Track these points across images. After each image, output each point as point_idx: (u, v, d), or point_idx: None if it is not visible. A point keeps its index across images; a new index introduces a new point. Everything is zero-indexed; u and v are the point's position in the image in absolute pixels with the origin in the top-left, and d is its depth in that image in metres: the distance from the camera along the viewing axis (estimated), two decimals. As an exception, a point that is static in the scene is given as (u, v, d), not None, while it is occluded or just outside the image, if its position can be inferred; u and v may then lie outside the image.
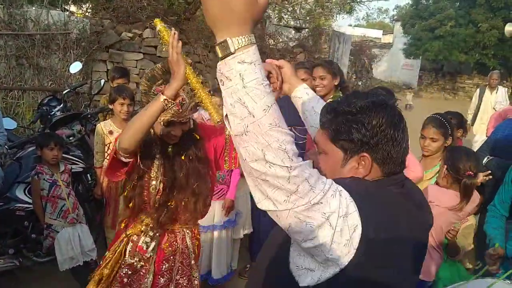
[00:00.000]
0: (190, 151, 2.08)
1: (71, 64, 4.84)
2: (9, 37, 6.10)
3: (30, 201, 3.22)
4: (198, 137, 2.13)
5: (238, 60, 0.88)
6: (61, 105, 4.09)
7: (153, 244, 2.10)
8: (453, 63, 23.29)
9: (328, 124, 1.21)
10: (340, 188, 1.03)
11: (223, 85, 0.91)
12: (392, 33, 27.86)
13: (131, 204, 2.08)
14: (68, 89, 4.45)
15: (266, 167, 0.92)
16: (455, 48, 20.48)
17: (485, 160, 3.52)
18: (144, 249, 2.08)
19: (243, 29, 0.89)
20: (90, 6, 8.23)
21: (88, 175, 3.81)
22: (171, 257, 2.14)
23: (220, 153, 2.19)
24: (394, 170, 1.19)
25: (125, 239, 2.13)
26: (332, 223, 0.99)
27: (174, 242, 2.15)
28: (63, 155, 3.42)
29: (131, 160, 1.88)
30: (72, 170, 3.47)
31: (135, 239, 2.11)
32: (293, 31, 11.93)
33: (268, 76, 1.60)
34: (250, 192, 3.83)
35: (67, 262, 3.15)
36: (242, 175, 3.61)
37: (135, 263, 2.08)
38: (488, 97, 7.46)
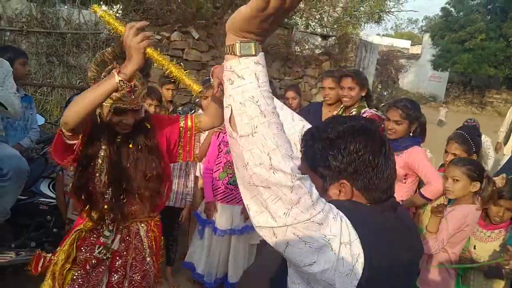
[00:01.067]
0: (139, 140, 1.98)
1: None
2: (40, 35, 6.23)
3: (53, 196, 3.28)
4: (149, 126, 2.03)
5: (255, 60, 0.89)
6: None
7: (118, 236, 2.03)
8: (482, 77, 22.91)
9: (306, 151, 1.18)
10: (341, 213, 0.99)
11: (232, 83, 0.90)
12: (421, 44, 27.56)
13: (78, 196, 1.98)
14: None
15: (270, 173, 0.88)
16: (484, 61, 20.16)
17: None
18: (103, 241, 2.00)
19: (261, 38, 0.90)
20: (121, 7, 8.37)
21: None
22: (124, 253, 2.04)
23: (174, 144, 2.10)
24: (380, 197, 1.12)
25: (74, 234, 2.02)
26: (334, 248, 0.94)
27: (127, 237, 2.06)
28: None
29: (74, 142, 1.79)
30: (96, 168, 3.53)
31: (87, 235, 2.02)
32: (320, 39, 11.89)
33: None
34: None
35: (86, 257, 3.18)
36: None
37: (100, 256, 1.98)
38: None
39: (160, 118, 2.20)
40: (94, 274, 1.98)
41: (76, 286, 1.97)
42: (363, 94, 3.35)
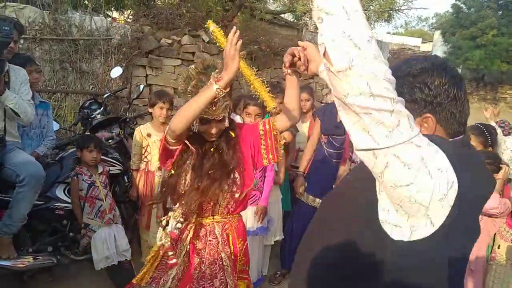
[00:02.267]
0: (222, 146, 2.14)
1: (112, 69, 4.95)
2: (53, 42, 6.31)
3: (69, 200, 3.30)
4: (233, 135, 2.18)
5: None
6: (101, 109, 4.19)
7: (191, 233, 2.15)
8: (494, 73, 22.61)
9: None
10: (432, 143, 1.00)
11: (321, 22, 0.90)
12: (432, 42, 27.33)
13: (163, 189, 2.21)
14: (109, 93, 4.56)
15: (370, 100, 0.90)
16: (497, 57, 19.90)
17: None
18: (175, 233, 2.13)
19: None
20: (131, 12, 8.43)
21: (125, 177, 3.89)
22: (201, 250, 2.17)
23: (258, 149, 2.21)
24: (458, 131, 1.16)
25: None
26: (431, 170, 0.95)
27: (203, 236, 2.18)
28: (102, 157, 3.51)
29: (176, 148, 2.00)
30: (110, 172, 3.56)
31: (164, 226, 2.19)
32: (330, 39, 11.85)
33: (293, 59, 1.75)
34: (281, 199, 3.81)
35: (102, 261, 3.21)
36: (275, 182, 3.62)
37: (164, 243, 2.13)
38: None
39: (243, 126, 2.34)
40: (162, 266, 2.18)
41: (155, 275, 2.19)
42: None
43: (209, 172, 2.09)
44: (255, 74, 1.89)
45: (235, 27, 1.78)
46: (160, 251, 2.18)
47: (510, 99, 23.26)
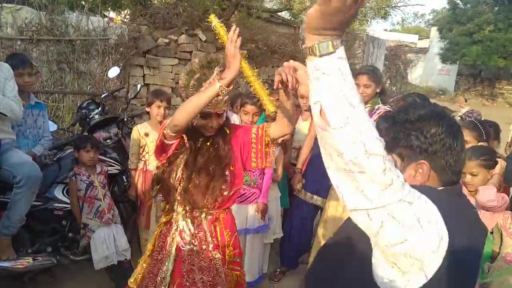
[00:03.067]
0: (217, 141, 2.18)
1: (109, 69, 4.94)
2: (50, 43, 6.28)
3: (68, 201, 3.29)
4: (228, 132, 2.22)
5: (338, 56, 0.93)
6: (99, 109, 4.19)
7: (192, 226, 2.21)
8: (491, 69, 22.67)
9: (385, 132, 1.23)
10: (423, 195, 1.03)
11: (318, 81, 0.94)
12: (428, 38, 27.34)
13: (158, 186, 2.23)
14: (106, 93, 4.55)
15: (365, 158, 0.93)
16: (494, 53, 19.93)
17: None
18: (188, 232, 2.19)
19: (338, 32, 0.94)
20: (128, 12, 8.41)
21: (124, 177, 3.90)
22: (190, 243, 2.21)
23: (248, 151, 2.24)
24: (452, 180, 1.19)
25: (157, 229, 2.30)
26: (423, 226, 0.98)
27: (191, 228, 2.21)
28: (100, 157, 3.51)
29: (173, 142, 2.02)
30: (108, 172, 3.56)
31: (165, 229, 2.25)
32: (327, 36, 11.85)
33: (282, 80, 1.73)
34: (280, 197, 3.82)
35: (102, 261, 3.21)
36: (273, 180, 3.62)
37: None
38: None
39: (238, 127, 2.38)
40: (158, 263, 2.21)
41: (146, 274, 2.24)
42: (378, 90, 3.42)
43: (206, 167, 2.12)
44: (256, 75, 1.89)
45: (234, 25, 1.80)
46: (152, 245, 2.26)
47: (507, 95, 23.33)
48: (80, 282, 3.57)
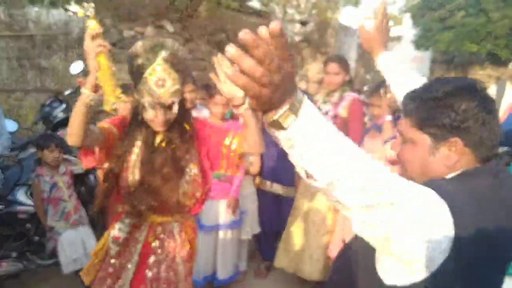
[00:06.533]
0: (174, 140, 1.95)
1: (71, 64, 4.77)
2: (10, 39, 6.11)
3: (32, 203, 3.20)
4: (188, 128, 1.99)
5: (296, 128, 0.82)
6: (63, 106, 4.05)
7: (146, 232, 2.01)
8: (464, 54, 22.98)
9: (414, 111, 1.18)
10: (429, 189, 0.99)
11: (292, 148, 0.85)
12: (401, 25, 27.62)
13: (106, 184, 1.98)
14: (70, 90, 4.40)
15: (369, 197, 0.89)
16: (466, 38, 20.19)
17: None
18: (118, 235, 1.99)
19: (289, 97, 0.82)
20: (92, 5, 8.20)
21: (91, 176, 3.77)
22: (158, 250, 2.03)
23: (217, 154, 2.05)
24: (487, 155, 1.14)
25: (105, 234, 2.09)
26: (433, 232, 0.95)
27: (161, 235, 2.04)
28: (65, 156, 3.39)
29: (90, 157, 1.83)
30: (74, 172, 3.43)
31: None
32: (298, 26, 11.80)
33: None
34: (257, 191, 3.74)
35: (70, 264, 3.14)
36: (247, 173, 3.54)
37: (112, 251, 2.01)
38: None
39: (210, 125, 2.17)
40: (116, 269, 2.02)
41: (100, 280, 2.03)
42: (347, 78, 3.45)
43: (161, 170, 1.93)
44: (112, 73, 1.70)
45: (91, 23, 1.63)
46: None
47: (481, 79, 23.81)
48: (50, 286, 3.48)
